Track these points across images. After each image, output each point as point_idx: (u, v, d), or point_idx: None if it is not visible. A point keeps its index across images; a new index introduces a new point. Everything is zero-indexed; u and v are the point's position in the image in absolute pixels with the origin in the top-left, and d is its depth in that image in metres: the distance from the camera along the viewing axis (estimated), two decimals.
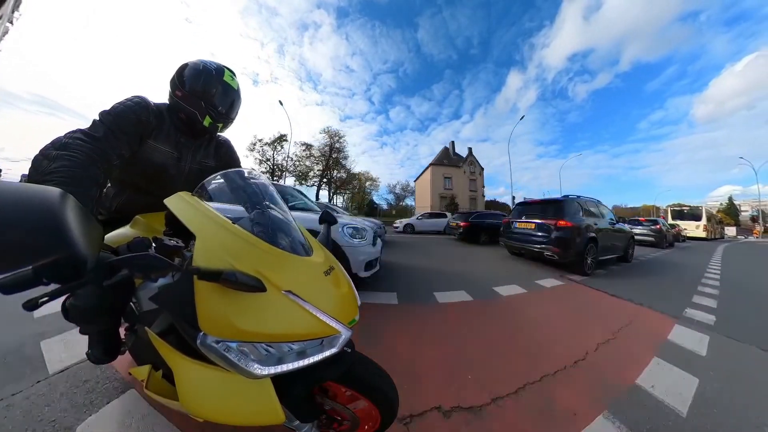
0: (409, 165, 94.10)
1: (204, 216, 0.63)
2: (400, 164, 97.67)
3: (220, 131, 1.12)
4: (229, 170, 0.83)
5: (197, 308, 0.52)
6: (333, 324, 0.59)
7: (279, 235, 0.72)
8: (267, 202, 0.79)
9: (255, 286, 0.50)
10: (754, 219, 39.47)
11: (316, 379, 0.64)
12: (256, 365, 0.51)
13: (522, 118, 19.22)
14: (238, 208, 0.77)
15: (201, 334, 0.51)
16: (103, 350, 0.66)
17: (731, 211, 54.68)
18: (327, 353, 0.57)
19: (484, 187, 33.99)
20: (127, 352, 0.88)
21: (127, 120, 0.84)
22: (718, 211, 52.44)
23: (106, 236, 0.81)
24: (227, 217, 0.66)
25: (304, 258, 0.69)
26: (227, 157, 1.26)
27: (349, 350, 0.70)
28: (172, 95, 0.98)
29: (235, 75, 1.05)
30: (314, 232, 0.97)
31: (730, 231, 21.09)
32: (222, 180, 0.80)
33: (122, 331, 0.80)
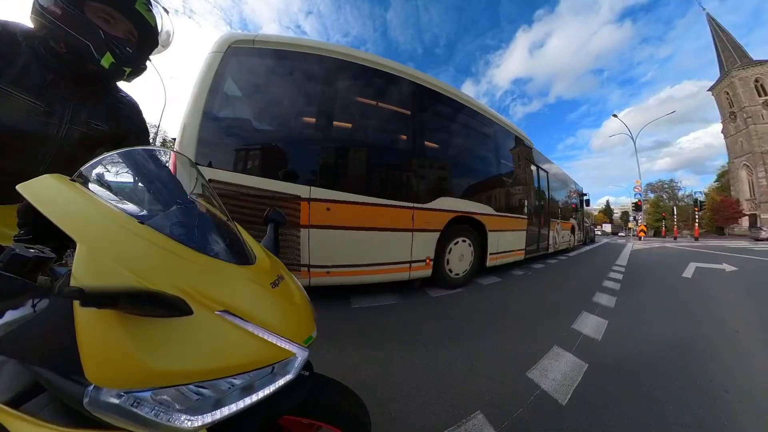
0: None
1: (91, 211, 0.45)
2: None
3: (126, 80, 0.80)
4: (136, 147, 0.60)
5: (81, 350, 0.36)
6: (285, 345, 0.49)
7: (210, 238, 0.58)
8: (192, 195, 0.63)
9: (175, 307, 0.37)
10: (624, 218, 50.84)
11: (267, 417, 0.52)
12: (184, 417, 0.38)
13: None
14: (149, 201, 0.59)
15: (91, 388, 0.35)
16: None
17: (608, 212, 71.62)
18: (280, 382, 0.47)
19: None
20: None
21: None
22: (599, 213, 68.08)
23: None
24: (129, 213, 0.48)
25: (244, 267, 0.56)
26: (131, 123, 0.90)
27: (307, 373, 0.60)
28: (41, 12, 0.63)
29: (151, 4, 0.75)
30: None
31: (606, 227, 27.81)
32: (122, 159, 0.57)
33: None
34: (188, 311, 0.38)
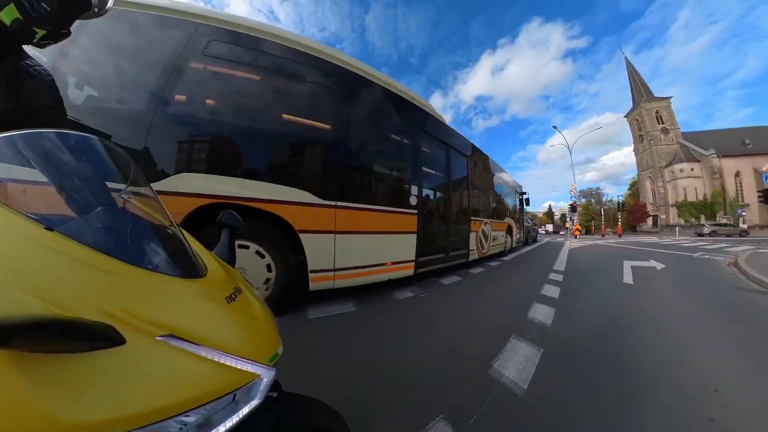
0: None
1: None
2: None
3: (37, 45, 0.64)
4: (44, 130, 0.46)
5: None
6: (248, 367, 0.44)
7: (147, 248, 0.49)
8: (124, 194, 0.52)
9: (101, 337, 0.30)
10: (563, 218, 57.49)
11: None
12: None
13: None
14: (61, 203, 0.46)
15: None
16: None
17: (550, 215, 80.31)
18: (245, 410, 0.42)
19: None
20: None
21: None
22: (543, 215, 76.08)
23: None
24: (31, 217, 0.38)
25: (192, 281, 0.49)
26: (38, 98, 0.70)
27: (276, 394, 0.54)
28: None
29: None
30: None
31: (549, 227, 31.44)
32: (23, 144, 0.43)
33: None
34: (119, 340, 0.31)
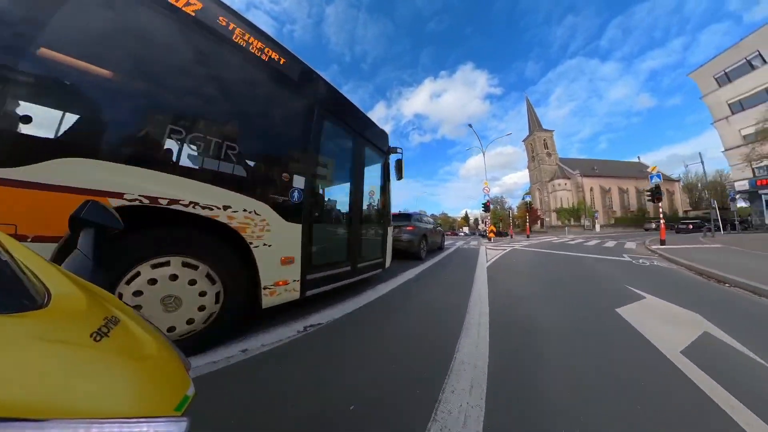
0: None
1: None
2: None
3: None
4: None
5: None
6: (142, 429, 0.30)
7: None
8: None
9: None
10: (476, 222, 66.91)
11: None
12: None
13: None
14: None
15: None
16: None
17: (466, 219, 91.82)
18: None
19: None
20: None
21: None
22: (461, 219, 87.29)
23: None
24: None
25: (15, 317, 0.30)
26: None
27: None
28: None
29: None
30: None
31: (466, 229, 35.83)
32: None
33: None
34: None
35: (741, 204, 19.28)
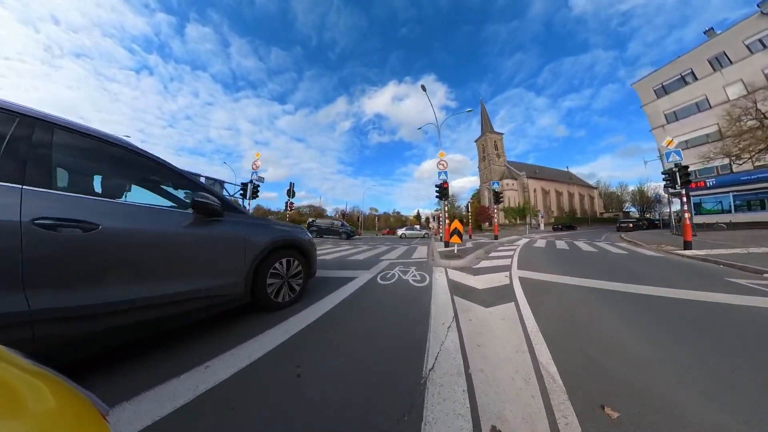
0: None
1: None
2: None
3: None
4: None
5: None
6: None
7: None
8: None
9: None
10: (427, 221, 65.69)
11: None
12: None
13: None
14: None
15: None
16: None
17: (418, 217, 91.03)
18: None
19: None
20: None
21: None
22: (413, 218, 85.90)
23: None
24: None
25: None
26: None
27: None
28: None
29: None
30: None
31: (417, 227, 33.07)
32: None
33: None
34: None
35: (676, 207, 19.83)
